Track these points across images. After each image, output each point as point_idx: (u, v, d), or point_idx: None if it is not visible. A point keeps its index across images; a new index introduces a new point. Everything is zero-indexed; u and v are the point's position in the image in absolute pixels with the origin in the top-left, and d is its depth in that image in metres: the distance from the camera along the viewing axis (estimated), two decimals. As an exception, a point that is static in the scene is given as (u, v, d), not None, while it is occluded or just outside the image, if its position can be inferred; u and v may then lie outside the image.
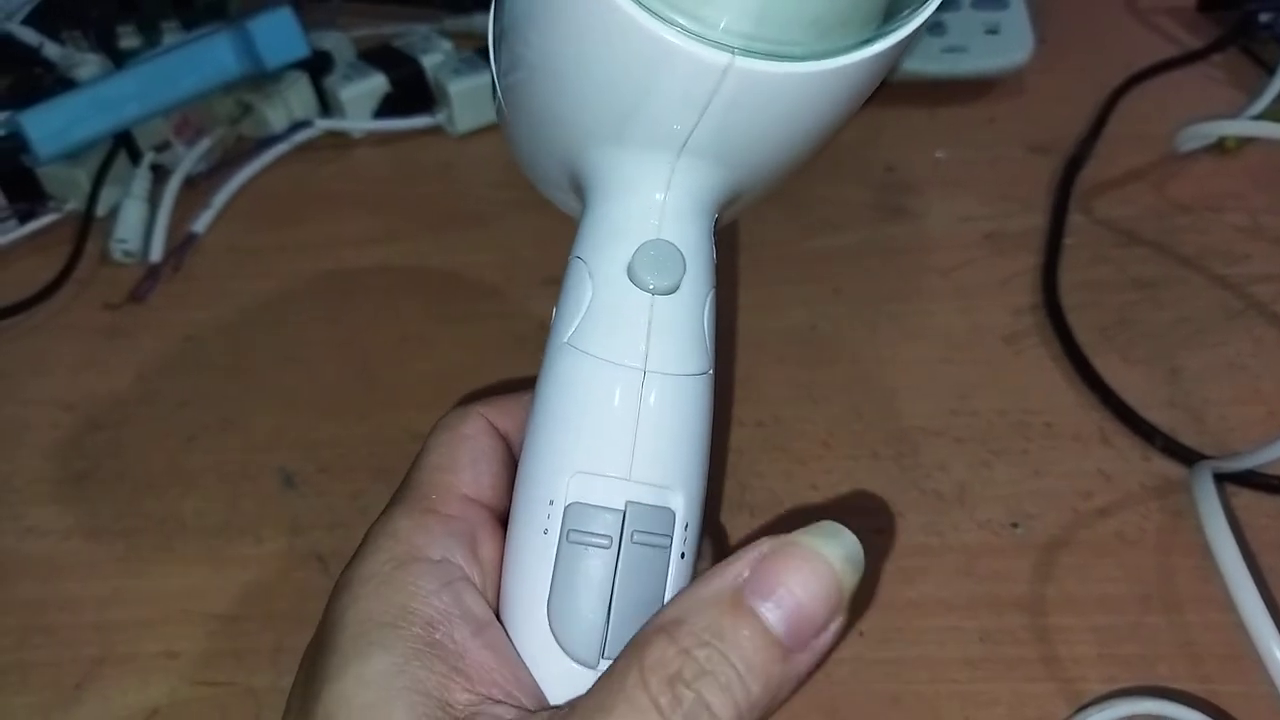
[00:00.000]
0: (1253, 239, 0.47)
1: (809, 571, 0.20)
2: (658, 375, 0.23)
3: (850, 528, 0.20)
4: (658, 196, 0.24)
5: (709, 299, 0.24)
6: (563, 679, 0.22)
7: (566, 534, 0.23)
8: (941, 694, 0.32)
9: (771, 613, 0.19)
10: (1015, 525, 0.36)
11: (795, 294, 0.46)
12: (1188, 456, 0.37)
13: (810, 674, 0.20)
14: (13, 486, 0.40)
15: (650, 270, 0.23)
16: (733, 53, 0.20)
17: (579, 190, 0.26)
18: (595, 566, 0.23)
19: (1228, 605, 0.31)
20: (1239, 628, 0.30)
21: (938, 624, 0.34)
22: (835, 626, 0.20)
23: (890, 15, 0.21)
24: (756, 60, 0.20)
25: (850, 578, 0.20)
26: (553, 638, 0.23)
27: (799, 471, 0.38)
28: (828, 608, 0.19)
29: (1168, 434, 0.38)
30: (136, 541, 0.37)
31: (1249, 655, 0.30)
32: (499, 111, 0.29)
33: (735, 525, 0.37)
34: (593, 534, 0.23)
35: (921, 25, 0.22)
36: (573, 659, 0.22)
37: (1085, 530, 0.36)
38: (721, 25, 0.20)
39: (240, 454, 0.40)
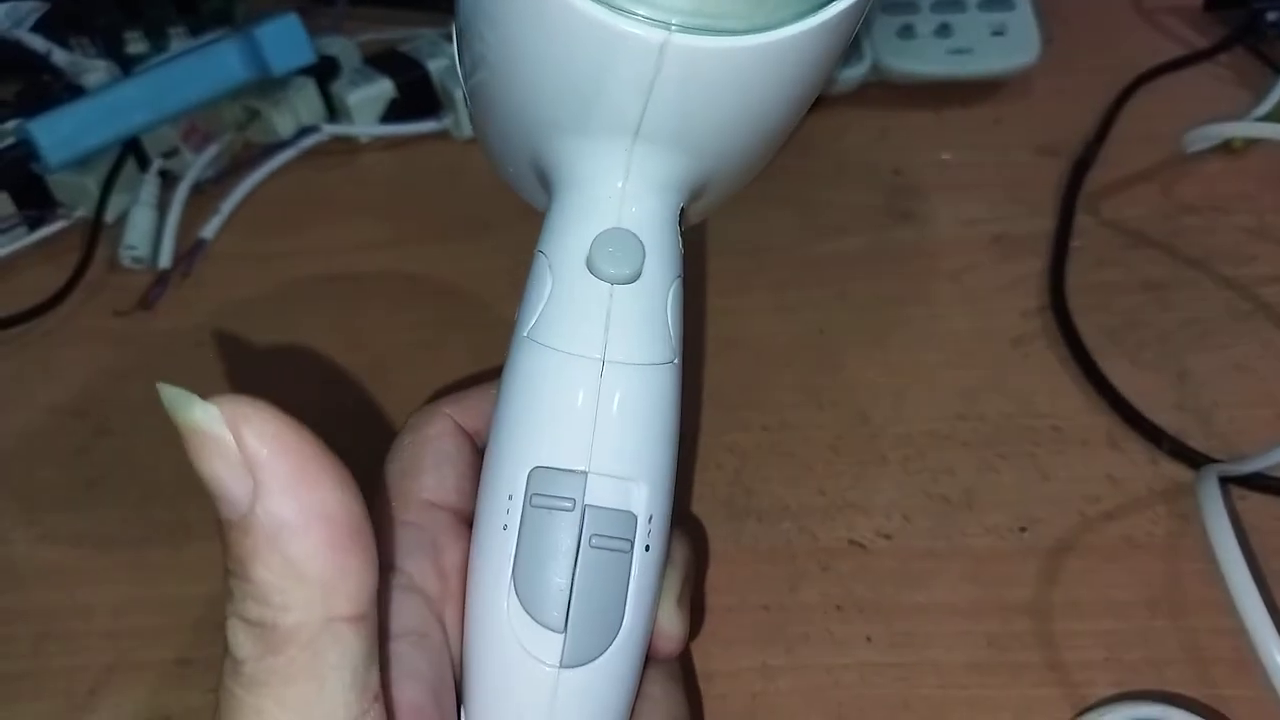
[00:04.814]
0: (1260, 240, 0.47)
1: None
2: (617, 365, 0.23)
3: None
4: (617, 184, 0.24)
5: (673, 287, 0.24)
6: (532, 643, 0.22)
7: (530, 498, 0.23)
8: (949, 699, 0.32)
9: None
10: (1022, 529, 0.36)
11: (802, 298, 0.46)
12: (1195, 460, 0.37)
13: (286, 524, 0.19)
14: (25, 493, 0.40)
15: (608, 259, 0.23)
16: (669, 29, 0.20)
17: (546, 185, 0.26)
18: (560, 532, 0.23)
19: (1234, 610, 0.31)
20: (1244, 633, 0.30)
21: (945, 629, 0.34)
22: (237, 490, 0.19)
23: None
24: (692, 36, 0.20)
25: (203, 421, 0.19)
26: (520, 605, 0.22)
27: (805, 476, 0.39)
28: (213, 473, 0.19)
29: (1175, 437, 0.38)
30: (147, 549, 0.38)
31: (1255, 661, 0.30)
32: (469, 115, 0.29)
33: (741, 530, 0.37)
34: (555, 497, 0.23)
35: None
36: (540, 624, 0.22)
37: (1092, 535, 0.36)
38: (662, 3, 0.20)
39: (250, 460, 0.41)
